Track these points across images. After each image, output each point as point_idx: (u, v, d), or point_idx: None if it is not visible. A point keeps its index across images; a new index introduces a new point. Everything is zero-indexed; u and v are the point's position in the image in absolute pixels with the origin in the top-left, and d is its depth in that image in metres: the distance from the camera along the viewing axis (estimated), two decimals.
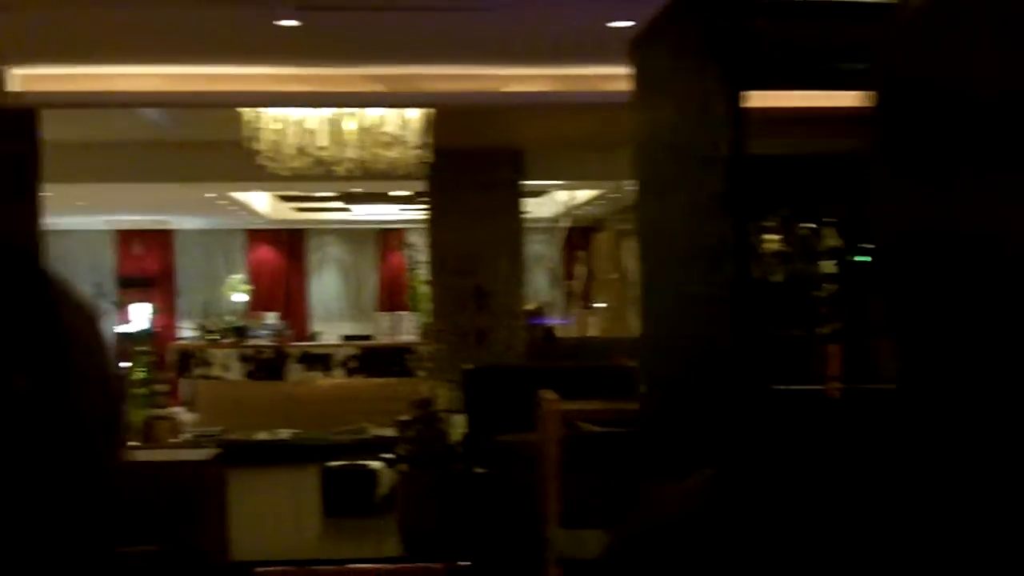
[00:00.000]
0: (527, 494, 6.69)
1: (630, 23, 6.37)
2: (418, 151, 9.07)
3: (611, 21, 5.93)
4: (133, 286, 19.23)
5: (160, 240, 19.48)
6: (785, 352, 2.46)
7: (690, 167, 2.67)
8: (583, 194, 15.88)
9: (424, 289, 15.73)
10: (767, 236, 2.49)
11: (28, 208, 9.32)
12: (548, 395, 6.91)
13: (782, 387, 2.37)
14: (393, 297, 19.62)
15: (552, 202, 16.84)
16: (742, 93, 2.39)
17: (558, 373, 8.65)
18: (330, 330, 18.62)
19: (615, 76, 7.80)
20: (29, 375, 0.87)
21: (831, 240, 2.51)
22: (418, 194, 13.72)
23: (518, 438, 7.42)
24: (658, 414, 3.09)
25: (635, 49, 3.16)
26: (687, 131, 2.67)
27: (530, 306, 13.79)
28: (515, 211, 12.00)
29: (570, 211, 15.87)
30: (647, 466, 3.29)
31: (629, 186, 11.81)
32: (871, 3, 2.42)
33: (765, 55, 2.45)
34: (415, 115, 8.94)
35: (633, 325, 14.04)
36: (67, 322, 0.91)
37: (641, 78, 3.16)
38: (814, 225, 2.52)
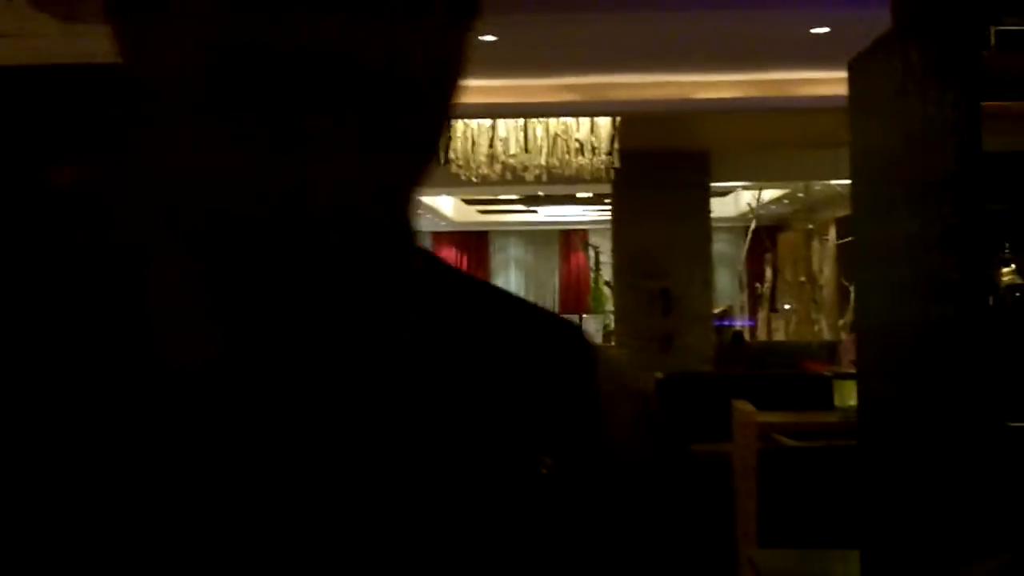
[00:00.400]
0: (721, 510, 6.61)
1: (825, 29, 6.28)
2: (607, 157, 9.08)
3: (812, 27, 5.84)
4: None
5: None
6: (1021, 386, 2.38)
7: (919, 195, 2.60)
8: (768, 193, 15.67)
9: (607, 291, 15.71)
10: (1004, 269, 2.42)
11: None
12: (743, 406, 6.84)
13: (1019, 424, 2.30)
14: (575, 298, 19.66)
15: (737, 201, 16.66)
16: (979, 121, 2.33)
17: (750, 381, 8.55)
18: None
19: (804, 80, 7.70)
20: (556, 456, 0.81)
21: None
22: (603, 195, 13.71)
23: (712, 448, 7.35)
24: (877, 437, 3.03)
25: (854, 70, 3.10)
26: (916, 158, 2.61)
27: (717, 309, 13.66)
28: (701, 212, 11.90)
29: (755, 210, 15.68)
30: (864, 488, 3.23)
31: (817, 186, 11.59)
32: None
33: (997, 81, 2.38)
34: (605, 122, 8.95)
35: (820, 329, 13.79)
36: (606, 401, 0.86)
37: (860, 100, 3.10)
38: None
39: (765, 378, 8.66)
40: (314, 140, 0.65)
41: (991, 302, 2.38)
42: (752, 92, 7.55)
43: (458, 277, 0.85)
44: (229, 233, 0.69)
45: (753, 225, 15.52)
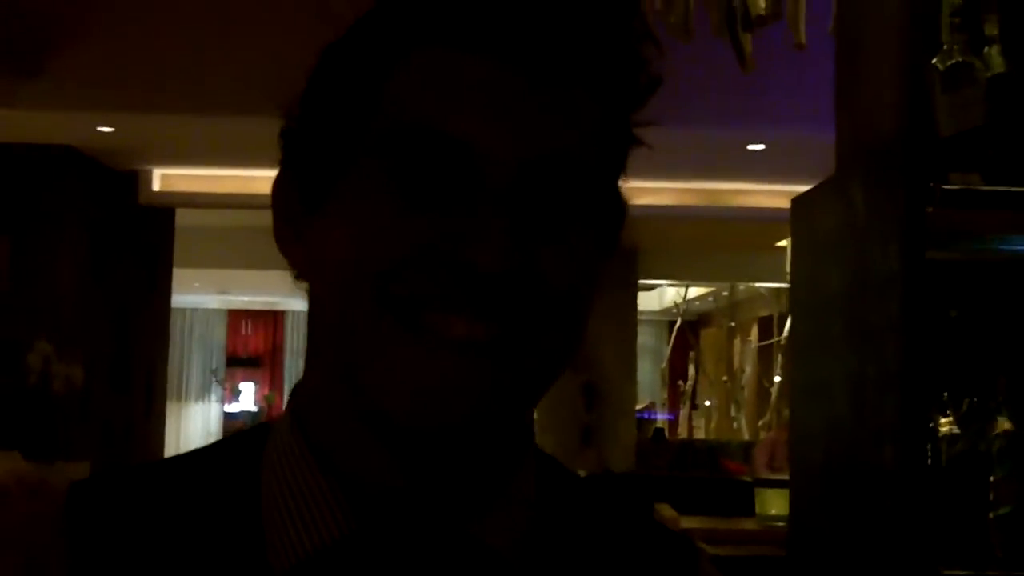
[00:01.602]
0: None
1: (761, 146, 6.44)
2: None
3: (749, 144, 5.99)
4: (242, 365, 19.52)
5: (270, 320, 19.77)
6: (956, 534, 2.45)
7: (859, 337, 2.68)
8: (694, 290, 15.86)
9: None
10: (942, 419, 2.49)
11: (160, 294, 9.61)
12: (666, 511, 6.88)
13: (953, 573, 2.36)
14: None
15: (662, 296, 16.82)
16: (922, 272, 2.41)
17: (671, 482, 8.60)
18: None
19: (738, 191, 7.86)
20: None
21: (1004, 423, 2.51)
22: None
23: None
24: (808, 567, 3.09)
25: (797, 207, 3.20)
26: (857, 301, 2.70)
27: (640, 404, 13.73)
28: (628, 308, 12.00)
29: (680, 306, 15.85)
30: None
31: (741, 286, 11.69)
32: None
33: (942, 234, 2.47)
34: None
35: (740, 427, 13.83)
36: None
37: (802, 237, 3.19)
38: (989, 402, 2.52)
39: (686, 480, 8.72)
40: (473, 350, 0.74)
41: (928, 450, 2.45)
42: (688, 200, 7.70)
43: (570, 478, 0.93)
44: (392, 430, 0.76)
45: (679, 322, 15.68)
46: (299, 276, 0.83)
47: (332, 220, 0.78)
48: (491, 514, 0.82)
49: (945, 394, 2.54)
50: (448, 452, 0.78)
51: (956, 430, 2.49)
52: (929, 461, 2.43)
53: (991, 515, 2.44)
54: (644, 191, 7.64)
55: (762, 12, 4.18)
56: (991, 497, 2.46)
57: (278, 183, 0.85)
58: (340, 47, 0.81)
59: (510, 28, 0.74)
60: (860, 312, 2.70)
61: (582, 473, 8.76)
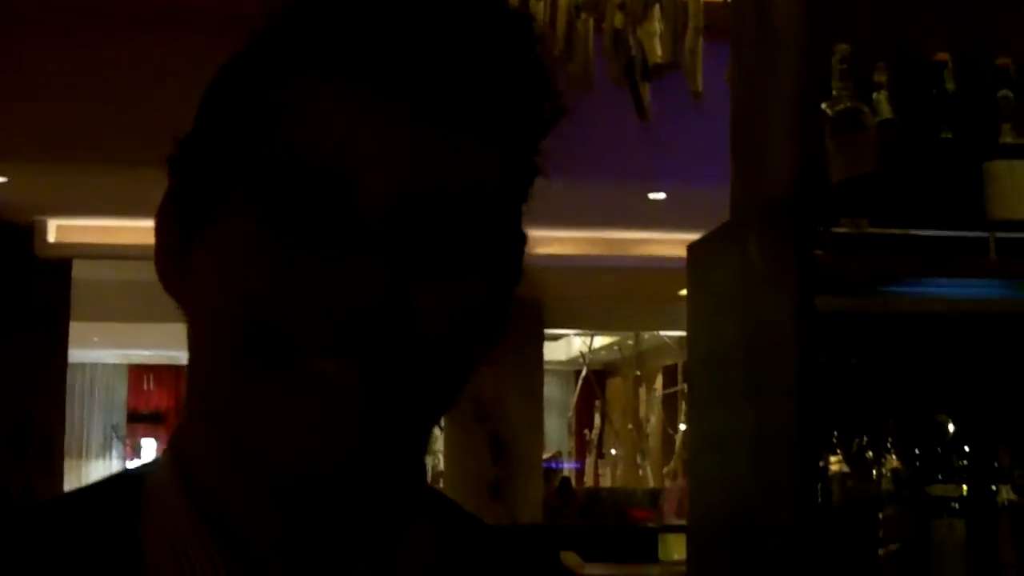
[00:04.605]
0: None
1: (661, 195, 6.49)
2: None
3: (649, 193, 6.03)
4: (144, 421, 19.20)
5: (172, 375, 19.49)
6: (848, 572, 2.45)
7: (754, 386, 2.69)
8: (600, 340, 15.93)
9: (437, 433, 15.65)
10: (832, 457, 2.50)
11: (57, 350, 9.43)
12: (570, 559, 6.87)
13: None
14: None
15: (568, 346, 16.87)
16: (813, 313, 2.43)
17: (578, 532, 8.60)
18: None
19: (640, 240, 7.91)
20: None
21: (893, 462, 2.53)
22: None
23: None
24: None
25: (693, 254, 3.21)
26: (753, 351, 2.71)
27: (547, 454, 13.72)
28: (534, 358, 12.00)
29: (585, 355, 15.91)
30: None
31: (646, 335, 11.77)
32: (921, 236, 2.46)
33: (833, 280, 2.48)
34: None
35: (646, 475, 13.91)
36: None
37: (698, 285, 3.20)
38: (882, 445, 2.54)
39: (593, 529, 8.73)
40: (343, 390, 0.71)
41: (819, 490, 2.45)
42: (590, 250, 7.73)
43: (473, 525, 0.90)
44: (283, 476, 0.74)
45: (584, 372, 15.72)
46: (181, 312, 0.80)
47: (205, 253, 0.75)
48: (381, 569, 0.78)
49: (835, 434, 2.55)
50: (325, 500, 0.75)
51: (846, 469, 2.50)
52: (819, 500, 2.44)
53: (881, 552, 2.46)
54: (547, 240, 7.67)
55: (659, 61, 4.23)
56: (880, 535, 2.48)
57: (160, 212, 0.81)
58: (222, 73, 0.78)
59: (393, 61, 0.72)
60: (754, 361, 2.71)
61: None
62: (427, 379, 0.74)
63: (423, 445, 0.80)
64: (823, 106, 2.49)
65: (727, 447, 2.91)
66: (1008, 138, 2.54)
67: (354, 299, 0.69)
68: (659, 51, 4.18)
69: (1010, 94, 2.56)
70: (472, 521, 0.90)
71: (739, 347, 2.81)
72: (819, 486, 2.45)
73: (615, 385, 18.11)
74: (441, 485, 12.23)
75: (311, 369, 0.71)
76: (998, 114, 2.55)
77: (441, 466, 12.78)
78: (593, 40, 4.21)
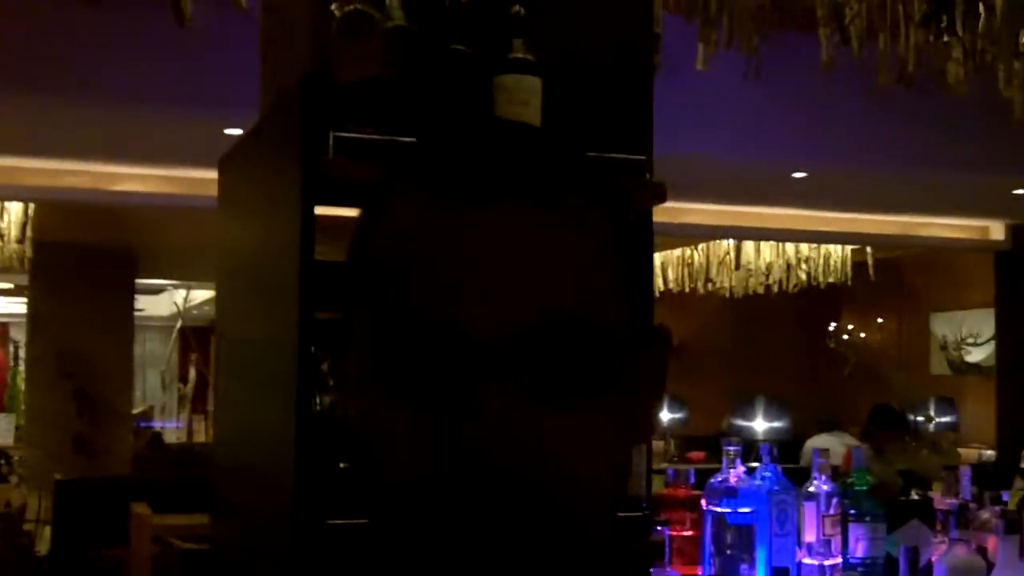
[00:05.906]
0: None
1: (238, 131, 6.31)
2: (18, 245, 8.63)
3: (225, 128, 5.85)
4: None
5: None
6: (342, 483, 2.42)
7: (268, 300, 2.62)
8: (200, 294, 15.55)
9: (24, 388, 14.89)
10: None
11: None
12: (140, 509, 6.64)
13: (340, 521, 2.33)
14: None
15: (171, 300, 16.41)
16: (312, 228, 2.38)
17: (162, 484, 8.32)
18: None
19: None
20: None
21: None
22: (21, 287, 13.03)
23: (108, 554, 7.06)
24: (228, 537, 3.01)
25: (223, 168, 3.11)
26: (265, 263, 2.64)
27: (138, 409, 13.31)
28: (125, 310, 11.58)
29: (186, 311, 15.52)
30: None
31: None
32: None
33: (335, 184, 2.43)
34: (17, 207, 8.52)
35: None
36: None
37: (227, 198, 3.11)
38: None
39: (178, 481, 8.47)
40: None
41: (317, 405, 2.41)
42: (174, 189, 7.46)
43: None
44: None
45: (179, 324, 15.33)
46: None
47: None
48: None
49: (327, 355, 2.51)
50: None
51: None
52: (318, 418, 2.40)
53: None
54: (124, 177, 7.35)
55: None
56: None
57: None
58: None
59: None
60: (266, 275, 2.64)
61: (58, 477, 8.27)
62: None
63: None
64: (332, 7, 2.43)
65: (242, 369, 2.84)
66: (519, 53, 2.57)
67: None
68: None
69: (522, 10, 2.59)
70: None
71: (255, 258, 2.74)
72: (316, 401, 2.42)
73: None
74: (21, 441, 11.64)
75: None
76: (510, 29, 2.58)
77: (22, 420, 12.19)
78: None
